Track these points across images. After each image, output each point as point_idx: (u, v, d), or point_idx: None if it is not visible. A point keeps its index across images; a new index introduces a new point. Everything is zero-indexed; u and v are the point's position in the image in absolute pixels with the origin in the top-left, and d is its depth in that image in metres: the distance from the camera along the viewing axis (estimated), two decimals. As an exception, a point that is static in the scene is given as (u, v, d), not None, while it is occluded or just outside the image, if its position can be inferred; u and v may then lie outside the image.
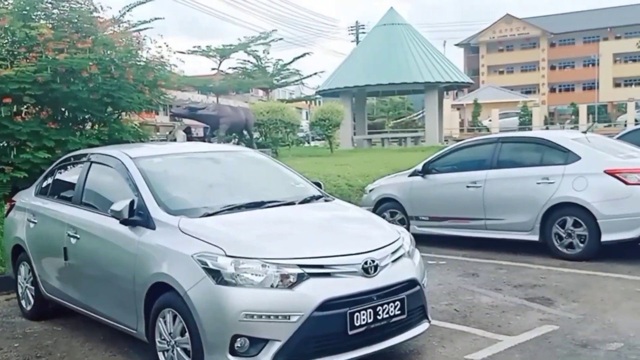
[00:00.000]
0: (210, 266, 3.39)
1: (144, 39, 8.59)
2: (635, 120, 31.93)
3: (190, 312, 3.41)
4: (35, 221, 5.12)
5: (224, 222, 3.84)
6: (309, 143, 34.30)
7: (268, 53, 37.06)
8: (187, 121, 23.00)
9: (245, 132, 17.62)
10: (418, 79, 25.52)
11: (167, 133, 34.64)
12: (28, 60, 7.31)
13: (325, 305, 3.32)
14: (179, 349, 3.54)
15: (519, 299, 5.30)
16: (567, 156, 7.04)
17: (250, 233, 3.73)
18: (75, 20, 8.00)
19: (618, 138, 9.26)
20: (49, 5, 7.99)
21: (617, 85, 62.49)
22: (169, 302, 3.58)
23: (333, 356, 3.37)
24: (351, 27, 48.26)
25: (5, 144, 7.56)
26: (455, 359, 3.99)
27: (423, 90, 27.46)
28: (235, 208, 4.04)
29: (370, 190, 8.81)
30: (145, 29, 8.97)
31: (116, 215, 3.94)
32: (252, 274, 3.34)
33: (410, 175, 8.29)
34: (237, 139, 17.98)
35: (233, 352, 3.29)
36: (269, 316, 3.27)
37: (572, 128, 30.53)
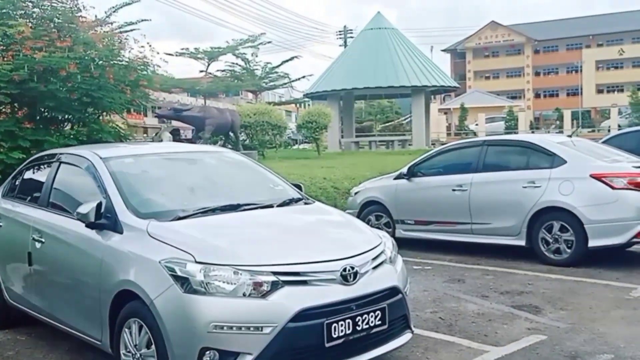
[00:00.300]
0: (178, 273, 3.14)
1: (126, 39, 8.35)
2: (619, 126, 32.02)
3: (156, 323, 3.15)
4: (1, 224, 4.81)
5: (195, 225, 3.59)
6: (297, 145, 34.01)
7: (256, 56, 36.82)
8: (176, 123, 22.64)
9: (231, 134, 17.28)
10: (405, 83, 25.37)
11: (154, 134, 34.15)
12: (4, 59, 7.03)
13: (301, 315, 3.07)
14: None
15: (506, 307, 5.06)
16: (552, 160, 6.84)
17: (223, 237, 3.48)
18: (57, 19, 7.72)
19: (603, 142, 9.12)
20: (30, 3, 7.72)
21: (599, 91, 63.09)
22: (135, 311, 3.31)
23: None
24: (339, 31, 48.16)
25: (-22, 144, 7.22)
26: (440, 371, 3.75)
27: (410, 94, 27.33)
28: (210, 211, 3.79)
29: (356, 193, 8.57)
30: (132, 30, 8.74)
31: (82, 218, 3.69)
32: (223, 282, 3.09)
33: (395, 178, 8.06)
34: (223, 141, 17.63)
35: None
36: (240, 327, 3.02)
37: (557, 133, 30.56)
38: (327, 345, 3.12)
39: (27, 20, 7.48)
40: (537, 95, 66.94)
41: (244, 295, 3.07)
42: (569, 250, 6.54)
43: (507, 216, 6.94)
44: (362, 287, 3.31)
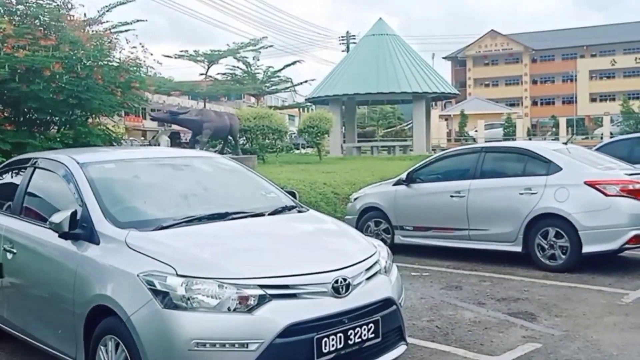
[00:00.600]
0: (158, 287, 2.88)
1: (116, 39, 7.91)
2: (611, 134, 31.93)
3: (133, 341, 2.89)
4: None
5: (179, 236, 3.31)
6: (299, 150, 33.71)
7: (258, 60, 36.13)
8: (176, 126, 22.08)
9: (230, 138, 16.57)
10: (406, 89, 25.25)
11: (151, 138, 33.51)
12: None
13: (289, 330, 2.86)
14: None
15: (502, 314, 4.96)
16: (548, 167, 6.76)
17: (208, 248, 3.22)
18: (42, 17, 7.30)
19: (596, 150, 9.05)
20: (13, 0, 7.27)
21: (593, 100, 63.09)
22: (111, 328, 3.04)
23: None
24: (342, 36, 47.99)
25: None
26: (435, 381, 3.65)
27: (411, 100, 27.24)
28: (196, 220, 3.51)
29: (355, 199, 8.46)
30: (127, 30, 8.37)
31: (55, 227, 3.38)
32: (206, 296, 2.85)
33: (394, 184, 7.95)
34: (221, 145, 17.09)
35: None
36: (224, 344, 2.79)
37: (553, 139, 30.46)
38: None
39: (10, 18, 7.07)
40: (534, 103, 66.90)
41: (229, 310, 2.85)
42: (563, 256, 6.44)
43: (504, 222, 6.85)
44: (354, 300, 3.10)
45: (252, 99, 39.68)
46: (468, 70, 68.42)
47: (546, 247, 6.56)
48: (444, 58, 71.22)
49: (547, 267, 6.51)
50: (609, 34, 62.31)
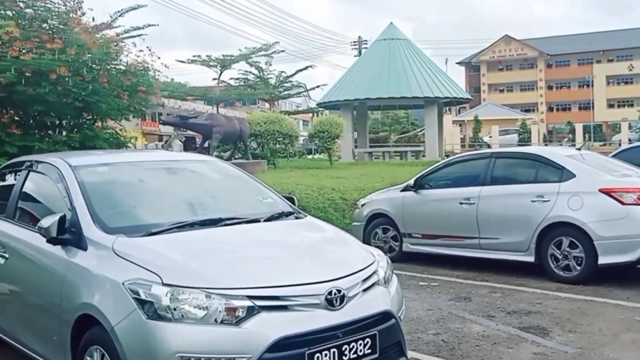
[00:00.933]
0: (143, 296, 2.77)
1: (123, 42, 7.91)
2: (629, 140, 31.30)
3: (117, 352, 2.78)
4: None
5: (168, 242, 3.20)
6: (312, 155, 33.56)
7: (270, 65, 36.12)
8: (190, 131, 22.10)
9: (240, 143, 16.53)
10: (417, 94, 24.94)
11: (163, 142, 33.71)
12: None
13: (279, 344, 2.71)
14: None
15: (513, 328, 4.70)
16: (561, 173, 6.49)
17: (197, 256, 3.09)
18: (50, 20, 7.30)
19: (612, 156, 8.72)
20: (22, 3, 7.28)
21: (610, 105, 62.20)
22: (97, 338, 2.94)
23: None
24: (354, 41, 47.82)
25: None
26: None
27: (423, 105, 26.95)
28: (187, 226, 3.39)
29: (362, 205, 8.24)
30: (139, 35, 8.39)
31: (44, 232, 3.28)
32: (193, 307, 2.73)
33: (402, 190, 7.72)
34: (232, 150, 17.05)
35: None
36: (209, 359, 2.66)
37: (570, 146, 29.92)
38: None
39: (18, 21, 7.07)
40: (550, 109, 66.13)
41: (216, 322, 2.71)
42: (578, 268, 6.16)
43: (515, 231, 6.59)
44: (349, 312, 2.94)
45: (267, 104, 39.58)
46: (482, 76, 67.87)
47: (560, 257, 6.29)
48: (457, 63, 70.76)
49: (561, 279, 6.24)
50: (626, 38, 61.50)
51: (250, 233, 3.52)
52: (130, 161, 4.29)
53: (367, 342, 2.97)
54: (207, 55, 33.56)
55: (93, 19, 7.94)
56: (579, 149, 7.34)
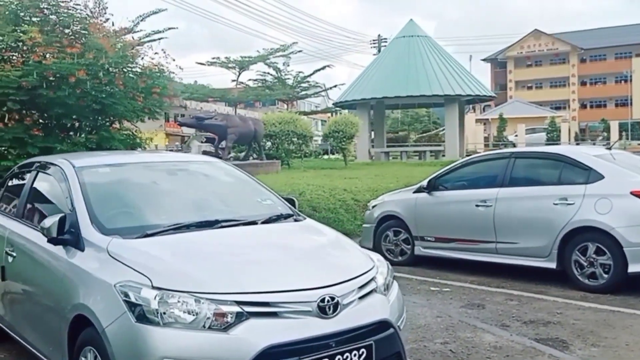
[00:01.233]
0: (132, 299, 2.83)
1: (139, 45, 8.26)
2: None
3: (107, 355, 2.86)
4: None
5: (161, 244, 3.28)
6: (328, 155, 33.56)
7: (288, 65, 36.56)
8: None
9: (254, 143, 17.00)
10: (438, 92, 24.71)
11: (183, 143, 34.36)
12: (13, 65, 7.02)
13: (268, 353, 2.70)
14: None
15: (528, 340, 4.54)
16: (588, 174, 6.28)
17: (189, 259, 3.14)
18: (73, 26, 7.72)
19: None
20: (47, 10, 7.67)
21: (651, 102, 60.70)
22: (90, 339, 3.02)
23: None
24: (373, 40, 47.75)
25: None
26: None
27: (443, 104, 26.68)
28: (184, 227, 3.48)
29: (373, 207, 8.10)
30: (160, 39, 8.75)
31: (45, 232, 3.43)
32: (181, 312, 2.76)
33: (415, 192, 7.59)
34: (247, 150, 17.46)
35: None
36: None
37: (604, 145, 29.35)
38: None
39: (41, 27, 7.45)
40: (583, 106, 65.07)
41: (204, 327, 2.73)
42: (605, 276, 5.96)
43: (535, 235, 6.40)
44: (343, 321, 2.92)
45: (285, 105, 39.96)
46: (509, 72, 67.12)
47: (585, 264, 6.09)
48: (483, 60, 70.08)
49: (586, 287, 6.05)
50: (668, 29, 59.97)
51: (246, 235, 3.59)
52: (132, 162, 4.45)
53: (363, 352, 2.92)
54: (226, 57, 34.47)
55: (112, 23, 8.33)
56: (609, 148, 7.08)
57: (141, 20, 8.65)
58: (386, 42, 43.28)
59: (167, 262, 3.07)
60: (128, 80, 7.69)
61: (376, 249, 7.77)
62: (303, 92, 39.31)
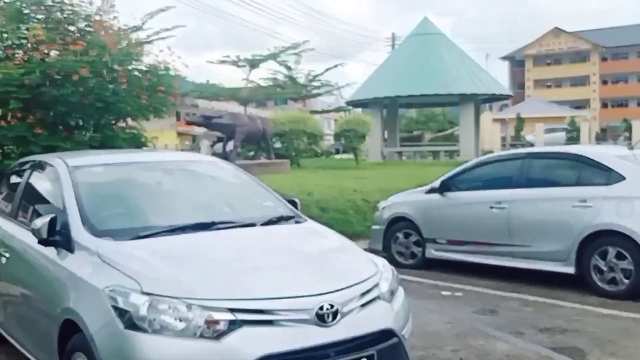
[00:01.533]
0: (121, 305, 2.75)
1: (150, 44, 8.33)
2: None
3: None
4: None
5: (153, 247, 3.19)
6: (340, 154, 33.41)
7: (299, 63, 36.29)
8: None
9: (263, 143, 16.99)
10: (452, 91, 24.47)
11: (191, 142, 34.39)
12: (16, 63, 7.04)
13: None
14: None
15: (544, 348, 4.40)
16: (609, 176, 6.12)
17: (181, 263, 3.05)
18: (79, 24, 7.74)
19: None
20: (51, 7, 7.69)
21: (675, 101, 60.02)
22: (80, 345, 2.95)
23: None
24: (387, 38, 47.50)
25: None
26: None
27: (458, 103, 26.44)
28: (179, 229, 3.40)
29: (383, 208, 7.99)
30: (168, 37, 8.74)
31: (36, 233, 3.37)
32: (172, 318, 2.68)
33: (427, 192, 7.46)
34: (255, 149, 17.46)
35: None
36: None
37: (626, 145, 28.90)
38: None
39: (46, 25, 7.48)
40: (604, 105, 64.47)
41: (195, 335, 2.65)
42: (626, 281, 5.81)
43: (552, 239, 6.25)
44: (343, 330, 2.82)
45: (299, 104, 39.77)
46: (527, 71, 66.67)
47: (605, 269, 5.95)
48: (500, 58, 69.58)
49: (606, 293, 5.89)
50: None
51: (243, 238, 3.50)
52: (129, 162, 4.36)
53: None
54: (236, 56, 34.30)
55: (118, 20, 8.34)
56: (631, 148, 6.91)
57: (149, 18, 8.65)
58: (400, 39, 43.02)
59: (159, 266, 2.98)
60: (132, 78, 7.67)
61: (386, 251, 7.69)
62: (315, 91, 39.08)
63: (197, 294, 2.73)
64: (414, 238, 7.48)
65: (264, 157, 17.03)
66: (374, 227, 8.03)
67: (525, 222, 6.45)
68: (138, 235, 3.26)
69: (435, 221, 7.25)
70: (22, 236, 3.84)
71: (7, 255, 3.97)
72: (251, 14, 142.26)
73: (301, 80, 37.49)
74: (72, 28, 7.71)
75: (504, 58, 69.23)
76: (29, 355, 3.72)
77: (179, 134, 41.35)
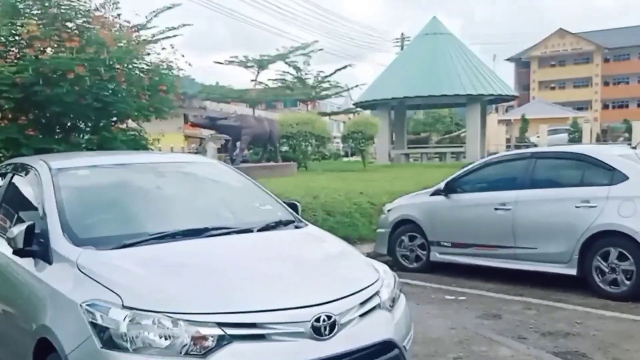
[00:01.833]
0: (99, 321, 2.46)
1: (153, 42, 7.79)
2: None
3: None
4: None
5: (139, 256, 2.90)
6: (349, 157, 33.01)
7: (308, 64, 35.39)
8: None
9: (269, 145, 16.50)
10: (459, 91, 24.16)
11: (198, 145, 33.80)
12: (7, 60, 6.56)
13: None
14: None
15: (547, 354, 4.25)
16: (612, 175, 5.94)
17: (167, 274, 2.77)
18: (77, 20, 7.22)
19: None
20: (47, 2, 7.15)
21: (675, 102, 59.24)
22: None
23: None
24: (396, 39, 47.04)
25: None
26: None
27: (465, 104, 26.15)
28: (168, 236, 3.09)
29: (389, 211, 7.83)
30: (174, 36, 8.24)
31: (12, 243, 3.02)
32: (156, 335, 2.41)
33: (432, 195, 7.30)
34: (261, 152, 17.07)
35: None
36: None
37: (628, 145, 28.48)
38: None
39: (41, 20, 6.96)
40: (605, 106, 63.72)
41: (180, 353, 2.39)
42: (628, 282, 5.64)
43: (556, 240, 6.09)
44: (342, 343, 2.59)
45: (309, 105, 39.13)
46: (532, 72, 66.00)
47: (607, 270, 5.78)
48: (506, 60, 68.99)
49: (607, 295, 5.73)
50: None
51: (237, 245, 3.22)
52: (117, 164, 4.00)
53: None
54: (244, 56, 33.42)
55: (120, 17, 7.88)
56: (634, 148, 6.72)
57: (154, 16, 8.15)
58: (409, 40, 42.58)
59: (143, 277, 2.70)
60: (132, 77, 7.17)
61: (391, 254, 7.55)
62: (324, 92, 38.43)
63: (183, 308, 2.48)
64: (418, 241, 7.31)
65: (268, 159, 16.54)
66: (379, 230, 7.88)
67: (529, 224, 6.28)
68: (123, 243, 2.95)
69: (440, 224, 7.09)
70: (1, 246, 3.47)
71: None
72: (261, 14, 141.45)
73: (310, 82, 36.43)
74: (70, 24, 7.19)
75: (510, 59, 68.63)
76: None
77: (187, 137, 39.63)
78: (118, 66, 6.98)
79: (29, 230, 2.99)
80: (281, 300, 2.60)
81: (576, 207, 5.99)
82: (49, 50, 6.68)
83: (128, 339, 2.40)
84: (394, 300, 3.05)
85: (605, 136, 45.24)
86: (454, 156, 25.90)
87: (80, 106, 6.80)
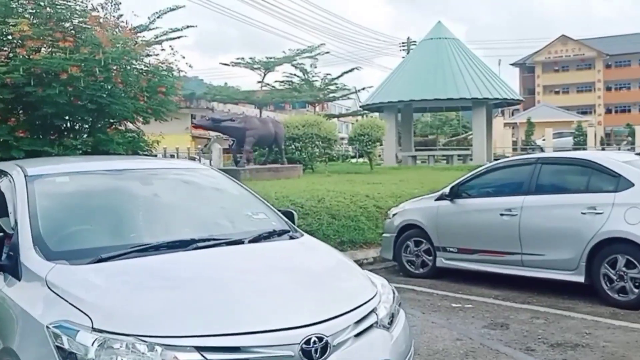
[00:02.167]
0: (66, 345, 2.18)
1: (157, 44, 7.61)
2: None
3: None
4: None
5: (115, 272, 2.60)
6: (356, 159, 32.68)
7: (315, 67, 34.82)
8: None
9: (274, 147, 15.73)
10: (465, 95, 23.82)
11: (203, 146, 33.26)
12: None
13: None
14: None
15: (554, 366, 4.02)
16: (618, 182, 5.69)
17: (144, 292, 2.48)
18: (73, 20, 6.92)
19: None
20: (41, 2, 6.84)
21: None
22: None
23: None
24: (402, 42, 46.67)
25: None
26: None
27: (471, 107, 25.81)
28: (151, 249, 2.79)
29: (394, 215, 7.57)
30: (178, 37, 8.08)
31: None
32: None
33: (437, 199, 7.04)
34: (266, 154, 16.43)
35: None
36: None
37: (629, 150, 27.99)
38: None
39: (33, 20, 6.68)
40: (608, 111, 63.16)
41: None
42: (636, 290, 5.37)
43: (562, 247, 5.82)
44: None
45: (316, 107, 38.72)
46: (537, 77, 65.46)
47: (615, 278, 5.50)
48: (511, 65, 68.43)
49: (616, 303, 5.46)
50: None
51: (225, 259, 2.88)
52: (100, 170, 3.65)
53: None
54: (251, 58, 32.65)
55: (119, 17, 7.62)
56: (638, 154, 6.45)
57: (157, 17, 7.93)
58: (415, 44, 42.23)
59: (117, 296, 2.41)
60: (128, 78, 6.87)
61: (396, 260, 7.31)
62: (331, 95, 38.09)
63: (159, 330, 2.19)
64: (424, 246, 7.05)
65: (273, 161, 15.98)
66: (385, 235, 7.62)
67: (535, 230, 6.01)
68: (100, 257, 2.64)
69: (446, 229, 6.82)
70: None
71: None
72: (269, 18, 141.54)
73: (317, 84, 35.99)
74: (67, 25, 6.89)
75: (514, 64, 68.10)
76: None
77: (194, 138, 38.59)
78: (114, 67, 6.68)
79: None
80: (268, 321, 2.33)
81: (582, 213, 5.73)
82: (42, 50, 6.38)
83: None
84: (392, 317, 2.77)
85: (609, 140, 44.74)
86: (460, 158, 25.54)
87: (74, 107, 6.50)
